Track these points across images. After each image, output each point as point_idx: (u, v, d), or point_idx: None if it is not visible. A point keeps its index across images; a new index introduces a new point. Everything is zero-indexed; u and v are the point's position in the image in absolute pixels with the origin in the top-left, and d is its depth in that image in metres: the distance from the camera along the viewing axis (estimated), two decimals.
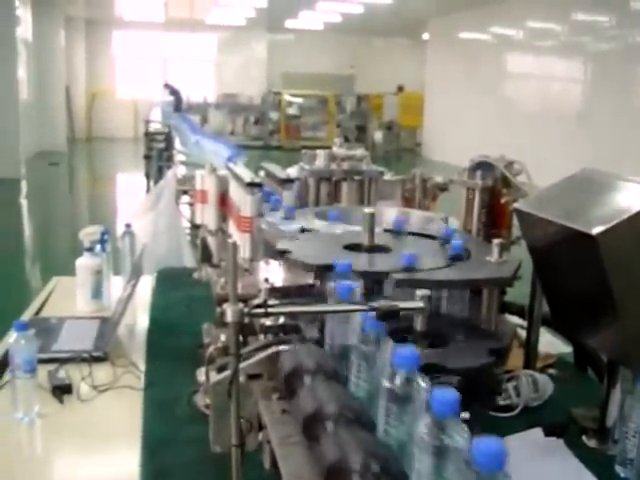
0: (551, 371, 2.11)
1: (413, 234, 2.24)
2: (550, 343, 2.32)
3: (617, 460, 1.61)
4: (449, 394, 0.89)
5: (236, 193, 2.58)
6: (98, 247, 2.72)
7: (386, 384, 1.04)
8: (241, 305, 1.10)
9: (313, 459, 1.00)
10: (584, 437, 1.76)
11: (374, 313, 1.11)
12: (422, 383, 0.98)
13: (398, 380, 1.01)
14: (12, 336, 1.83)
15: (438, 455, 0.88)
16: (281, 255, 1.91)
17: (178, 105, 17.58)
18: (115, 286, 2.75)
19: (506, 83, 16.23)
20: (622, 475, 1.58)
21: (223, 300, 1.60)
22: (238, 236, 2.31)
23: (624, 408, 1.60)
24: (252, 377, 1.28)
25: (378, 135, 19.56)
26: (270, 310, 1.13)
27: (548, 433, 1.72)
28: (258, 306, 1.12)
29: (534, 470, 1.55)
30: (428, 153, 19.72)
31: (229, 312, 1.10)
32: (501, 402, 1.81)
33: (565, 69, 13.97)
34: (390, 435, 1.04)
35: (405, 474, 0.93)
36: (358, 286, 1.27)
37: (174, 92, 19.42)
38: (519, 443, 1.65)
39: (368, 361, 1.14)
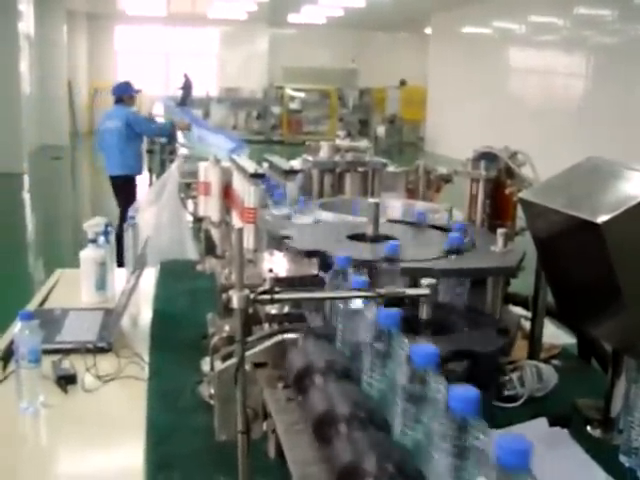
0: (555, 362, 2.11)
1: (417, 224, 2.24)
2: (554, 334, 2.32)
3: (621, 449, 1.61)
4: (469, 391, 0.84)
5: (240, 184, 2.58)
6: (102, 239, 2.72)
7: (402, 382, 0.98)
8: (247, 291, 1.10)
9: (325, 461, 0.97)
10: (588, 427, 1.76)
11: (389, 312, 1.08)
12: (440, 381, 0.92)
13: (415, 378, 0.95)
14: (17, 326, 1.83)
15: (458, 455, 0.84)
16: (284, 245, 1.91)
17: (185, 99, 17.57)
18: (119, 278, 2.76)
19: (508, 77, 16.19)
20: (627, 465, 1.58)
21: (227, 290, 1.60)
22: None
23: (629, 397, 1.60)
24: (257, 365, 1.28)
25: (381, 129, 19.54)
26: (276, 296, 1.13)
27: (552, 423, 1.71)
28: (264, 292, 1.12)
29: (538, 460, 1.55)
30: (431, 147, 19.70)
31: (235, 298, 1.09)
32: (505, 392, 1.81)
33: (567, 63, 13.92)
34: (406, 435, 0.98)
35: (423, 475, 0.89)
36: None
37: (186, 86, 19.45)
38: (523, 433, 1.64)
39: (382, 358, 1.09)
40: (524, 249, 2.01)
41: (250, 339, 1.29)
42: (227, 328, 1.63)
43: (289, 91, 21.46)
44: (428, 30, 20.97)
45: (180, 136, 8.32)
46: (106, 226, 2.79)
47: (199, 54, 23.71)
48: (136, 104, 7.60)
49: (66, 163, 16.23)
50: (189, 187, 3.91)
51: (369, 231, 1.99)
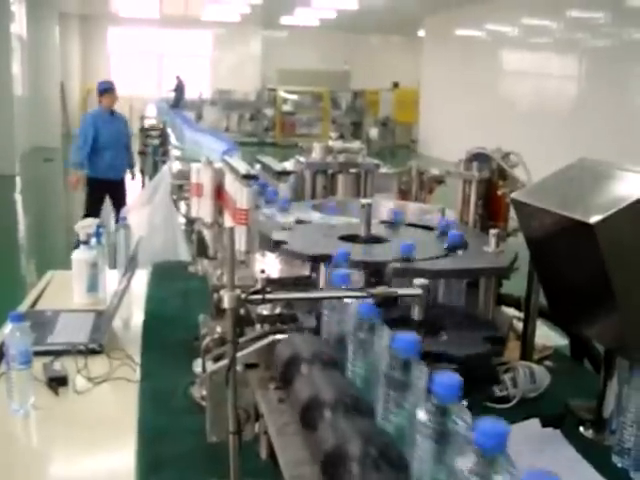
0: (548, 363, 2.10)
1: (410, 225, 2.24)
2: (546, 335, 2.32)
3: (614, 450, 1.60)
4: (451, 378, 0.86)
5: (232, 186, 2.57)
6: (94, 240, 2.71)
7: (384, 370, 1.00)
8: (238, 291, 1.10)
9: (311, 447, 0.99)
10: (581, 428, 1.76)
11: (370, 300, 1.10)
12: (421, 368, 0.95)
13: (397, 366, 0.97)
14: (7, 328, 1.82)
15: (440, 440, 0.86)
16: (277, 246, 1.90)
17: (177, 101, 17.56)
18: (111, 279, 2.74)
19: (501, 80, 16.22)
20: (619, 465, 1.58)
21: (219, 291, 1.59)
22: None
23: (622, 398, 1.60)
24: (249, 367, 1.27)
25: (373, 131, 19.54)
26: (268, 296, 1.12)
27: (545, 424, 1.71)
28: (255, 292, 1.11)
29: (531, 461, 1.55)
30: (423, 149, 19.70)
31: (226, 298, 1.09)
32: (498, 393, 1.81)
33: (560, 66, 13.97)
34: (389, 421, 1.01)
35: (405, 460, 0.91)
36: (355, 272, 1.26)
37: (178, 88, 19.44)
38: (516, 434, 1.64)
39: (365, 348, 1.11)
40: (516, 250, 2.01)
41: (242, 340, 1.28)
42: (219, 329, 1.62)
43: (282, 93, 21.43)
44: (421, 33, 20.98)
45: (172, 138, 8.29)
46: (98, 227, 2.78)
47: (192, 56, 23.69)
48: (108, 104, 6.95)
49: (58, 165, 16.15)
50: (181, 189, 3.89)
51: (361, 232, 1.98)
